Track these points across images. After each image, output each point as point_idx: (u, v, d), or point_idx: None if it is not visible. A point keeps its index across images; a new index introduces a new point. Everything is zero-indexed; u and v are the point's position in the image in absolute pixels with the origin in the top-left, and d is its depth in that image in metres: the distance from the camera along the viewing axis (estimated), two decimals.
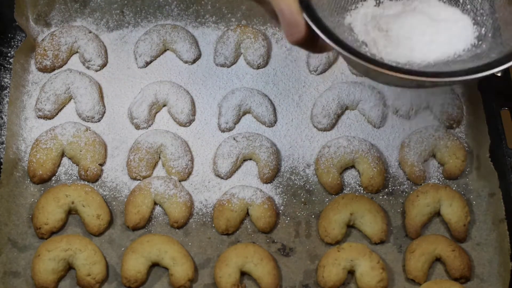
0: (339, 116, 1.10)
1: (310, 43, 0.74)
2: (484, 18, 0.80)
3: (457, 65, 0.75)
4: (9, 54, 1.12)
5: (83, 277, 0.95)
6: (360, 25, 0.80)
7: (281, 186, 1.05)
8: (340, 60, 1.14)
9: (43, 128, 1.07)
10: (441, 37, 0.77)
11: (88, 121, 1.08)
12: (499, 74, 0.73)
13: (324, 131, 1.09)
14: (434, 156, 1.07)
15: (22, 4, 1.12)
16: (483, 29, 0.79)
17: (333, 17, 0.78)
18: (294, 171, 1.06)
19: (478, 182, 1.05)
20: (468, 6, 0.81)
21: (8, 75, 1.10)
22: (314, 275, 0.98)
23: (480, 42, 0.78)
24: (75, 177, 1.04)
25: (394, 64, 0.74)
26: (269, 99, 1.10)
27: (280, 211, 1.03)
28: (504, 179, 1.02)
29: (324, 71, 1.14)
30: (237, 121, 1.09)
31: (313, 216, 1.02)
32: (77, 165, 1.04)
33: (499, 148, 1.04)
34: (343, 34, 0.77)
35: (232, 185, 1.04)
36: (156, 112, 1.10)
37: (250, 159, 1.06)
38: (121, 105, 1.10)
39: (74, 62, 1.13)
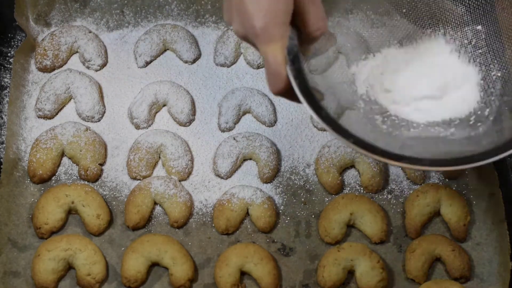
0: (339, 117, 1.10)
1: (291, 94, 0.72)
2: (492, 98, 0.77)
3: (448, 146, 0.73)
4: (9, 54, 1.12)
5: (83, 277, 0.95)
6: (364, 78, 0.78)
7: (281, 186, 1.05)
8: (340, 59, 1.13)
9: (43, 128, 1.07)
10: (445, 101, 0.76)
11: (88, 121, 1.08)
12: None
13: (324, 131, 1.09)
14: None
15: (22, 4, 1.12)
16: (487, 110, 0.77)
17: (334, 67, 0.77)
18: (294, 171, 1.06)
19: (478, 182, 1.05)
20: (481, 81, 0.79)
21: (8, 75, 1.10)
22: (314, 275, 0.98)
23: (479, 124, 0.76)
24: (75, 177, 1.04)
25: (377, 146, 0.70)
26: (269, 99, 1.10)
27: (280, 211, 1.03)
28: (504, 179, 1.02)
29: (324, 71, 1.14)
30: (237, 121, 1.09)
31: (313, 216, 1.02)
32: (77, 165, 1.04)
33: None
34: (341, 86, 0.76)
35: (232, 185, 1.04)
36: (156, 112, 1.10)
37: (250, 159, 1.06)
38: (121, 105, 1.10)
39: (74, 62, 1.13)
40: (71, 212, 1.01)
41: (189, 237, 1.00)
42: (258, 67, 1.13)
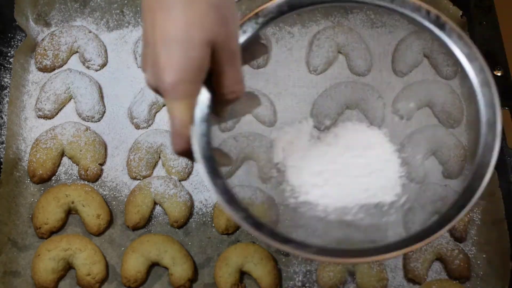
0: (339, 116, 1.10)
1: (193, 156, 0.69)
2: (412, 185, 0.74)
3: (351, 232, 0.70)
4: (9, 54, 1.12)
5: (83, 276, 0.95)
6: (283, 147, 0.75)
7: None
8: (340, 59, 1.14)
9: (43, 128, 1.07)
10: (361, 184, 0.72)
11: (88, 121, 1.08)
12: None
13: (323, 131, 1.09)
14: (434, 155, 1.07)
15: (22, 4, 1.12)
16: (404, 197, 0.73)
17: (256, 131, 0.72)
18: None
19: None
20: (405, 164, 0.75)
21: (8, 75, 1.10)
22: (314, 275, 0.98)
23: (392, 211, 0.72)
24: (75, 177, 1.04)
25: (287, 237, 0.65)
26: (269, 99, 1.10)
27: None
28: (504, 179, 1.02)
29: (324, 70, 1.14)
30: (237, 121, 1.09)
31: None
32: (77, 164, 1.04)
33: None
34: (257, 150, 0.72)
35: (232, 185, 1.04)
36: (156, 112, 1.10)
37: (250, 159, 1.06)
38: (121, 105, 1.10)
39: (74, 62, 1.13)
40: (71, 212, 1.01)
41: (189, 237, 1.00)
42: (258, 67, 1.13)
